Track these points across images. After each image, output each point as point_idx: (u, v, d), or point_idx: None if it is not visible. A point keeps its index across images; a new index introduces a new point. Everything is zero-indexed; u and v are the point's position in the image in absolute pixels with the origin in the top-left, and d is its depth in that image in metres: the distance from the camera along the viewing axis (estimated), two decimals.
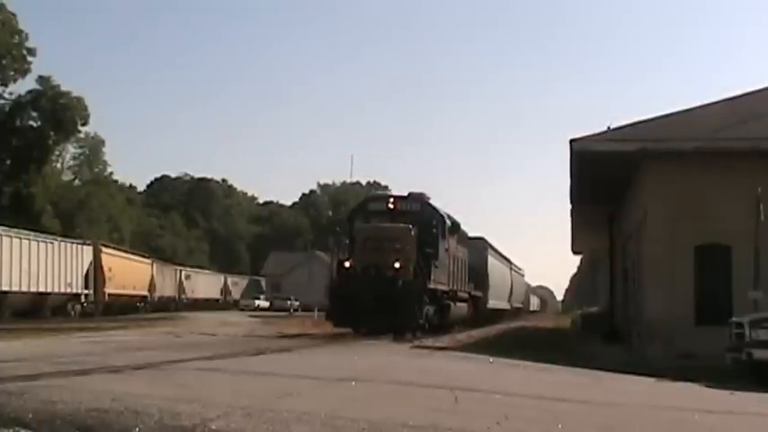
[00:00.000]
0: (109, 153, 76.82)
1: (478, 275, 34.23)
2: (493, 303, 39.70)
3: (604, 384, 11.99)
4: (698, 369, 14.12)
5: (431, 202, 25.36)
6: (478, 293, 34.18)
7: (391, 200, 25.02)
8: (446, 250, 25.32)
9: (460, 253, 28.96)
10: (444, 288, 25.07)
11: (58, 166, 71.25)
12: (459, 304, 28.15)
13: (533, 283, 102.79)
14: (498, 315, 44.01)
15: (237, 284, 78.35)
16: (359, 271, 21.70)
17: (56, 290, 36.71)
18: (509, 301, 49.39)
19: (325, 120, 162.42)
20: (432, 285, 23.01)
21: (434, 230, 24.15)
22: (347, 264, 22.23)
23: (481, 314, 35.41)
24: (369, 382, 9.62)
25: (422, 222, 23.48)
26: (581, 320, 41.75)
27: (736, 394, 10.99)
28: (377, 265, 21.47)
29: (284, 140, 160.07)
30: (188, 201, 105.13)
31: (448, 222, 25.75)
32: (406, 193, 25.45)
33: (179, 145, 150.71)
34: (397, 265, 21.34)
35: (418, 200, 25.01)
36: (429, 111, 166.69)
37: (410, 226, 22.60)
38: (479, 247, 36.00)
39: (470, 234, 33.05)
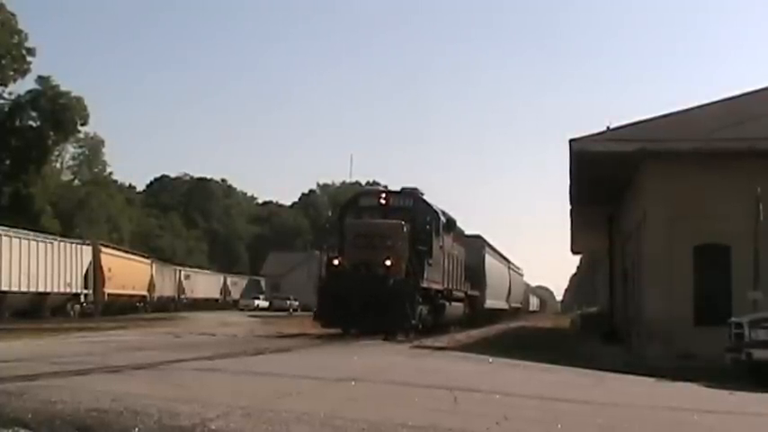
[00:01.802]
0: (108, 153, 76.79)
1: (475, 274, 33.44)
2: (490, 303, 38.95)
3: (604, 384, 11.99)
4: (697, 369, 14.14)
5: (425, 197, 24.52)
6: (475, 293, 33.42)
7: (383, 195, 24.12)
8: (440, 248, 24.56)
9: (456, 251, 28.20)
10: (438, 287, 24.32)
11: (58, 166, 71.25)
12: (454, 304, 27.37)
13: (533, 284, 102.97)
14: (496, 315, 43.33)
15: (237, 284, 78.33)
16: (348, 269, 20.94)
17: (55, 290, 36.72)
18: (507, 300, 48.74)
19: (325, 120, 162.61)
20: (425, 284, 22.26)
21: (428, 227, 23.37)
22: (336, 261, 21.44)
23: (478, 314, 34.71)
24: (368, 382, 9.62)
25: (415, 219, 22.77)
26: (580, 320, 41.79)
27: (735, 394, 10.99)
28: (367, 263, 20.70)
29: (284, 140, 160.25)
30: (187, 201, 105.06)
31: (442, 219, 24.93)
32: (398, 189, 24.60)
33: (178, 145, 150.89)
34: (388, 262, 20.55)
35: (411, 195, 24.11)
36: (428, 110, 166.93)
37: (402, 222, 21.89)
38: (476, 245, 35.24)
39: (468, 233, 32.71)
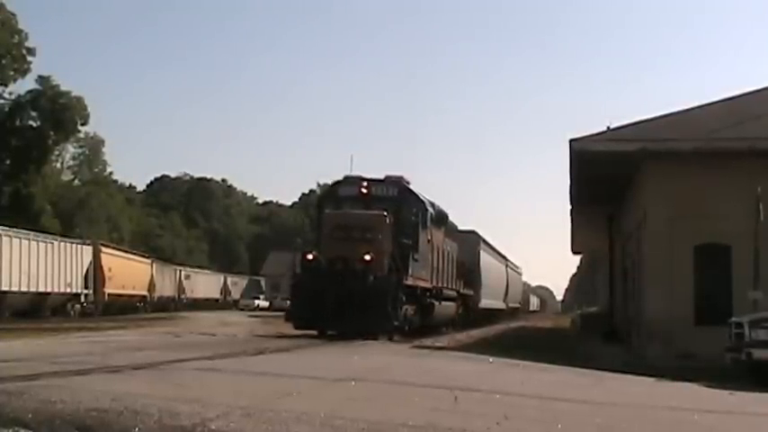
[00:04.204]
0: (109, 153, 76.82)
1: (469, 272, 31.83)
2: (486, 303, 37.25)
3: (604, 384, 11.99)
4: (697, 369, 14.15)
5: (411, 187, 22.55)
6: (469, 292, 31.77)
7: (364, 184, 21.73)
8: (428, 242, 22.81)
9: (448, 247, 26.59)
10: (426, 285, 22.64)
11: (58, 165, 71.26)
12: (444, 303, 25.56)
13: (533, 284, 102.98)
14: (493, 315, 41.83)
15: (237, 284, 78.37)
16: (324, 264, 19.34)
17: (55, 290, 36.71)
18: (505, 300, 47.24)
19: (325, 119, 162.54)
20: (410, 281, 20.65)
21: (414, 218, 21.65)
22: (310, 256, 19.80)
23: (473, 315, 33.20)
24: (368, 381, 9.61)
25: (400, 209, 21.15)
26: (581, 320, 41.66)
27: (735, 394, 10.99)
28: (345, 258, 19.06)
29: (284, 140, 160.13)
30: (188, 201, 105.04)
31: (430, 210, 23.07)
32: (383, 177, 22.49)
33: (179, 145, 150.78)
34: (367, 257, 18.86)
35: (396, 184, 22.06)
36: (428, 110, 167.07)
37: (384, 213, 20.18)
38: (471, 241, 33.62)
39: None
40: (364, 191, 21.55)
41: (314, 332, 19.82)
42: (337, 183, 22.88)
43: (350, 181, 22.28)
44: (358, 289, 18.56)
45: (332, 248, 19.65)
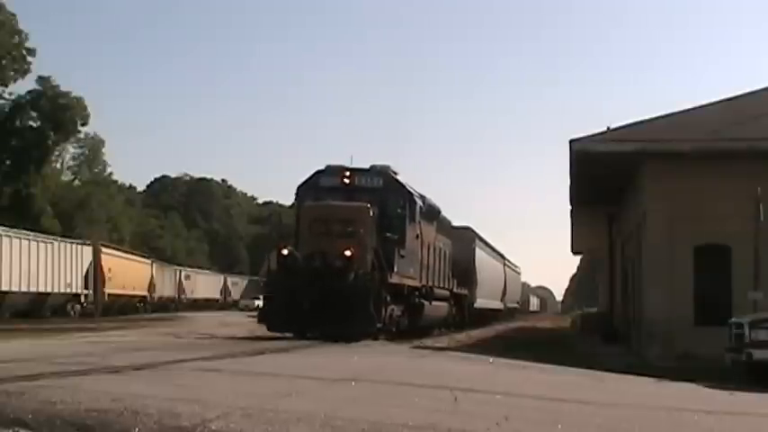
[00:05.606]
0: (109, 153, 76.73)
1: (464, 271, 30.37)
2: (482, 303, 35.74)
3: (604, 385, 11.99)
4: (698, 369, 14.17)
5: (399, 178, 21.03)
6: (463, 291, 30.35)
7: (347, 173, 20.13)
8: (416, 237, 21.39)
9: (441, 243, 25.29)
10: (414, 283, 21.30)
11: (58, 166, 71.15)
12: (435, 304, 24.09)
13: (533, 284, 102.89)
14: (490, 316, 40.50)
15: (237, 285, 78.35)
16: (301, 260, 18.02)
17: (55, 290, 36.74)
18: (502, 300, 45.80)
19: (324, 119, 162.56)
20: (395, 279, 19.33)
21: (400, 211, 20.30)
22: (285, 251, 18.37)
23: (467, 315, 31.99)
24: (368, 382, 9.60)
25: (385, 201, 19.86)
26: (581, 321, 41.59)
27: (735, 394, 10.99)
28: (323, 253, 17.71)
29: (284, 140, 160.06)
30: (188, 201, 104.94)
31: (419, 203, 21.57)
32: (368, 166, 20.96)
33: (179, 145, 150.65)
34: (348, 253, 17.49)
35: (381, 174, 20.48)
36: (428, 111, 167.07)
37: (368, 205, 18.80)
38: (466, 238, 32.05)
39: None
40: (346, 181, 20.01)
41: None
42: (318, 172, 20.87)
43: (331, 170, 20.59)
44: (337, 287, 17.26)
45: (310, 243, 18.37)
